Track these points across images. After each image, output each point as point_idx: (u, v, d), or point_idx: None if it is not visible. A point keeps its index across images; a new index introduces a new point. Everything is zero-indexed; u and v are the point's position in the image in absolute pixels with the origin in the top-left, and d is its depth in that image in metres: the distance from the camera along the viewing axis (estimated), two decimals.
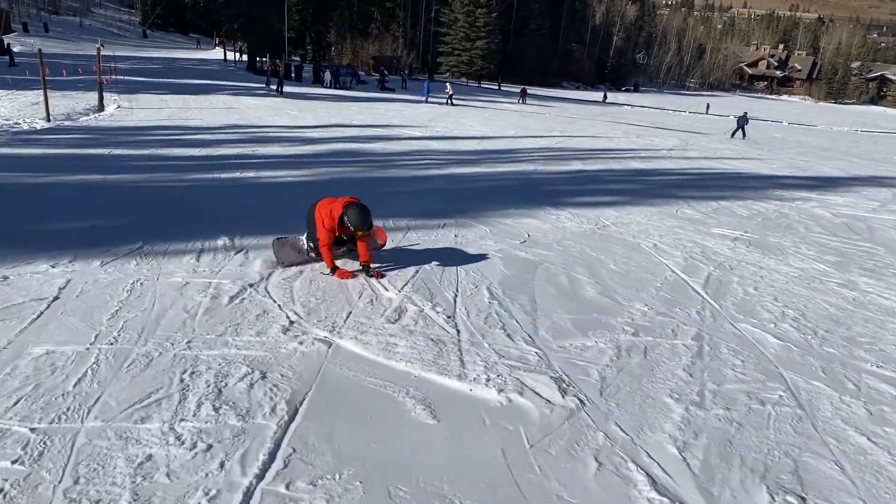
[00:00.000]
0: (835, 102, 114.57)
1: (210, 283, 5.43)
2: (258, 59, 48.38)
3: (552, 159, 15.44)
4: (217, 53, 60.65)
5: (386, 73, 48.92)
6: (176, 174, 10.23)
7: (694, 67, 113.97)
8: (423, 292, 5.50)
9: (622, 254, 7.27)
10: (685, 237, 8.34)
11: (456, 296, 5.48)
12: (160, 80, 32.37)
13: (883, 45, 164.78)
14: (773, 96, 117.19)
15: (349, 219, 5.54)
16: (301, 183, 10.34)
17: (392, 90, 44.02)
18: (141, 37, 72.15)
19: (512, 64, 77.23)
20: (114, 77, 27.46)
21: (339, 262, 5.96)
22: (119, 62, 33.46)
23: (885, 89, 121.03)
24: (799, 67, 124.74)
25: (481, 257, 6.68)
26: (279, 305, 5.03)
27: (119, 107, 20.68)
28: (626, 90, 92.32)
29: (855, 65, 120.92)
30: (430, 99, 36.31)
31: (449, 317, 5.00)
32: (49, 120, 16.50)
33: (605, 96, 68.02)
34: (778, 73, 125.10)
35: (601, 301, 5.65)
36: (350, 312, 4.99)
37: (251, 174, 10.61)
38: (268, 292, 5.30)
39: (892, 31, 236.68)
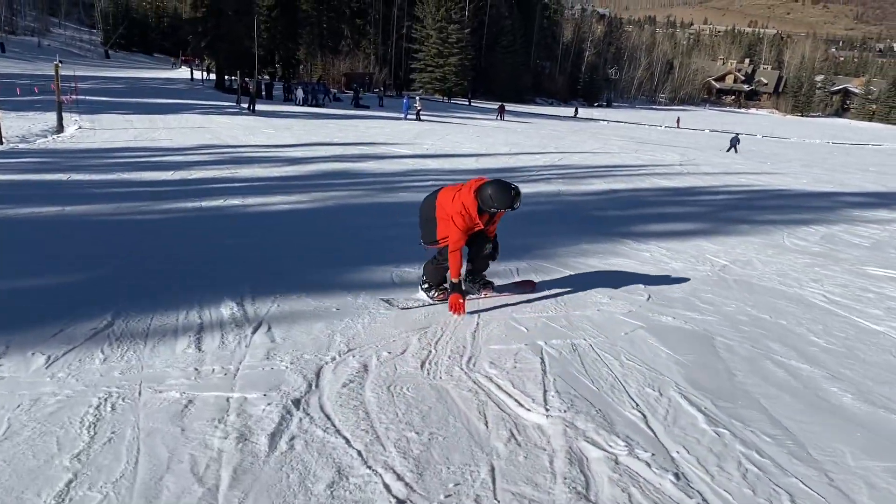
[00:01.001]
0: (801, 115, 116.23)
1: (228, 399, 3.39)
2: (227, 77, 46.73)
3: (568, 178, 14.10)
4: (183, 73, 58.81)
5: (360, 89, 47.64)
6: (148, 203, 8.60)
7: (664, 82, 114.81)
8: (585, 410, 3.47)
9: (803, 315, 5.43)
10: (849, 282, 6.70)
11: (645, 417, 3.44)
12: (124, 99, 30.60)
13: (842, 59, 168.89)
14: (742, 110, 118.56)
15: (494, 199, 4.57)
16: (300, 212, 8.81)
17: (367, 107, 42.74)
18: (103, 57, 70.10)
19: (485, 80, 76.66)
20: (74, 97, 25.73)
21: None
22: (80, 82, 31.67)
23: (848, 102, 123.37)
24: (765, 81, 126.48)
25: (615, 328, 4.77)
26: (361, 456, 2.92)
27: (80, 128, 18.97)
28: (599, 105, 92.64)
29: (819, 78, 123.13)
30: (409, 116, 35.03)
31: (675, 475, 2.90)
32: (0, 142, 14.79)
33: (576, 111, 68.61)
34: (745, 87, 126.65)
35: (877, 416, 3.66)
36: (493, 471, 2.86)
37: (237, 201, 9.01)
38: (329, 420, 3.23)
39: (847, 45, 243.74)
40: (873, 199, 13.40)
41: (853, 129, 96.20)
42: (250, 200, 9.11)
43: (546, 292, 5.56)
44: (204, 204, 8.70)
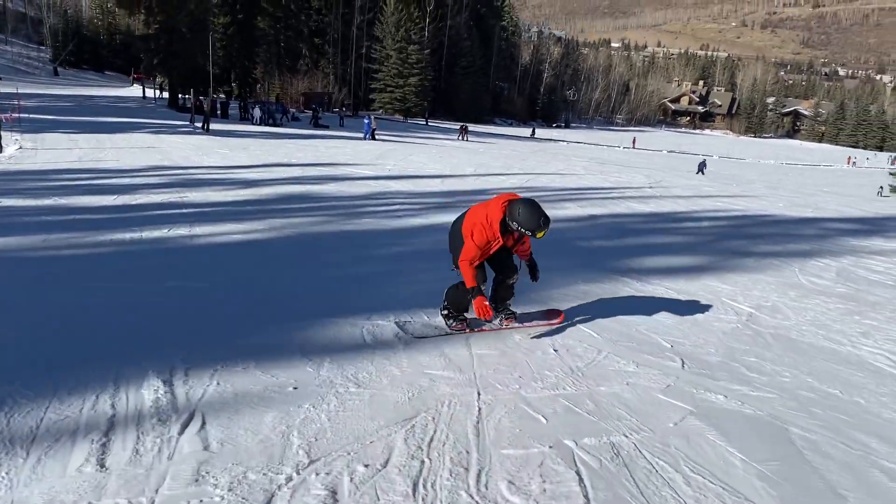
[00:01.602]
0: (754, 136, 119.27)
1: None
2: (180, 95, 45.44)
3: (541, 201, 13.03)
4: (135, 91, 57.16)
5: (319, 109, 46.78)
6: (81, 234, 7.66)
7: (621, 103, 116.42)
8: None
9: (877, 388, 4.56)
10: None
11: None
12: (71, 118, 29.23)
13: (790, 82, 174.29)
14: (697, 131, 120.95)
15: (520, 217, 4.24)
16: (254, 244, 7.84)
17: (326, 127, 41.90)
18: (52, 74, 67.80)
19: (445, 101, 76.67)
20: (16, 115, 24.38)
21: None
22: (25, 99, 30.20)
23: (798, 123, 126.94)
24: (719, 103, 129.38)
25: (658, 414, 3.82)
26: None
27: (21, 148, 17.77)
28: (558, 126, 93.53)
29: (770, 100, 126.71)
30: (371, 137, 34.23)
31: None
32: None
33: (533, 132, 70.17)
34: (700, 108, 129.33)
35: None
36: None
37: (184, 231, 8.12)
38: None
39: (795, 69, 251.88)
40: (859, 226, 13.03)
41: (804, 149, 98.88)
42: (198, 230, 8.23)
43: (553, 354, 4.66)
44: (145, 234, 7.80)
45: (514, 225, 4.32)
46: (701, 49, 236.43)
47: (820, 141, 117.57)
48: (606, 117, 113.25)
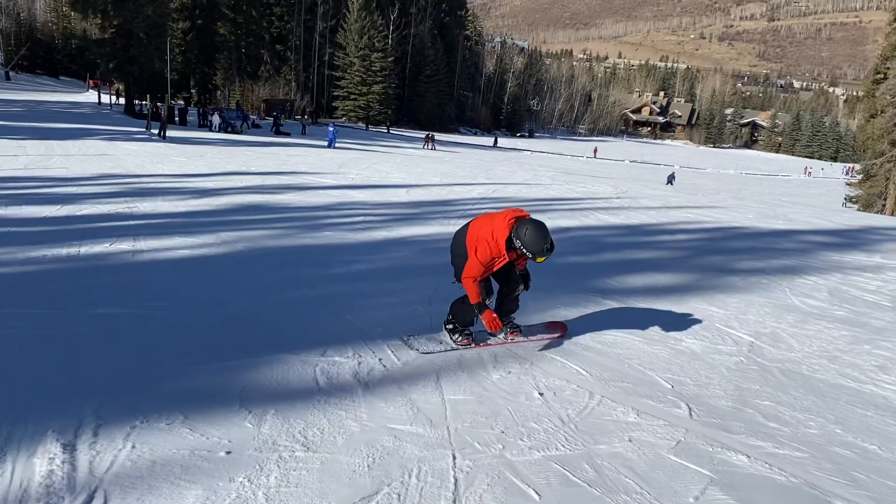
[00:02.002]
0: (713, 146, 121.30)
1: None
2: (137, 101, 44.26)
3: None
4: (91, 96, 55.61)
5: (280, 116, 45.99)
6: (13, 249, 6.96)
7: (583, 114, 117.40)
8: None
9: None
10: None
11: None
12: (21, 123, 28.05)
13: (748, 93, 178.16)
14: (658, 141, 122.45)
15: (526, 238, 4.12)
16: (202, 261, 7.20)
17: (287, 134, 41.15)
18: (3, 79, 65.66)
19: (409, 109, 76.43)
20: None
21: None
22: None
23: (756, 134, 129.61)
24: (679, 113, 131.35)
25: (674, 484, 3.25)
26: None
27: None
28: (522, 136, 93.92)
29: (728, 111, 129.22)
30: (336, 145, 33.61)
31: None
32: None
33: (495, 141, 70.40)
34: (660, 118, 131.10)
35: None
36: None
37: (126, 245, 7.46)
38: None
39: (752, 81, 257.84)
40: (835, 238, 12.74)
41: (762, 159, 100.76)
42: (143, 244, 7.58)
43: (538, 400, 4.06)
44: (83, 250, 7.13)
45: (518, 244, 4.21)
46: (661, 60, 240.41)
47: (777, 151, 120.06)
48: (569, 127, 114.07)
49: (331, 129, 35.03)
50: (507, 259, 4.37)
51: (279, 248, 8.13)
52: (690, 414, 4.02)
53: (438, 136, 54.66)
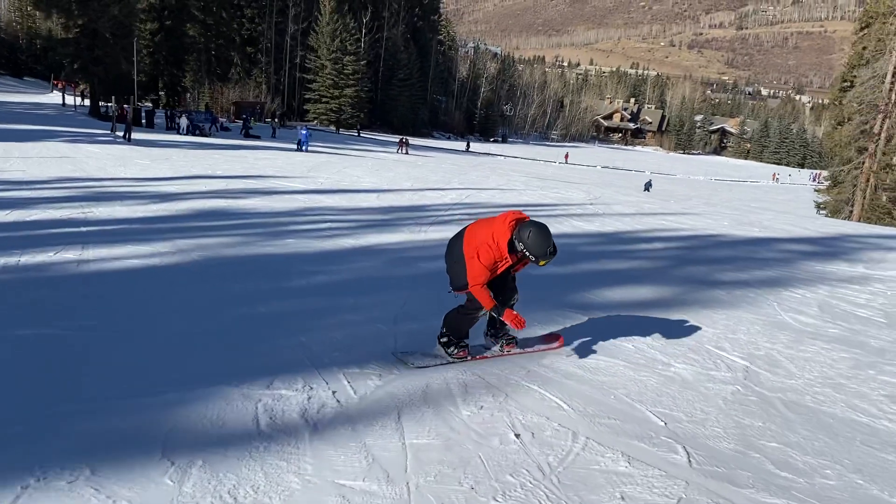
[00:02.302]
0: (683, 153, 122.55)
1: None
2: (102, 103, 43.27)
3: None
4: (55, 97, 54.32)
5: (250, 119, 45.31)
6: None
7: (556, 119, 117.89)
8: None
9: None
10: None
11: None
12: None
13: (716, 100, 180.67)
14: (629, 147, 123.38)
15: (529, 241, 4.00)
16: (151, 270, 6.69)
17: (257, 137, 40.50)
18: None
19: (382, 112, 76.06)
20: None
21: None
22: None
23: (725, 140, 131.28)
24: (650, 120, 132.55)
25: None
26: None
27: None
28: (495, 141, 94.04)
29: (698, 118, 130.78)
30: (306, 148, 33.06)
31: None
32: None
33: (468, 146, 70.76)
34: (631, 125, 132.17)
35: None
36: None
37: (73, 255, 6.93)
38: None
39: (721, 88, 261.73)
40: (814, 247, 12.51)
41: (731, 166, 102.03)
42: (90, 253, 7.06)
43: (514, 443, 3.52)
44: (24, 259, 6.60)
45: (520, 247, 4.07)
46: (632, 67, 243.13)
47: (746, 158, 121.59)
48: (542, 132, 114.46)
49: (303, 131, 34.45)
50: (510, 262, 4.24)
51: (236, 258, 7.63)
52: (689, 461, 3.50)
53: (412, 140, 54.30)
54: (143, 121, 39.54)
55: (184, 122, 37.99)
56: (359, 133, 65.56)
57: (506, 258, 4.20)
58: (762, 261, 10.42)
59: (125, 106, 36.28)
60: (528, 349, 4.86)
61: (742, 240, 12.76)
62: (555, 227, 12.09)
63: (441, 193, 16.80)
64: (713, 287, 8.03)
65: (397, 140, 48.80)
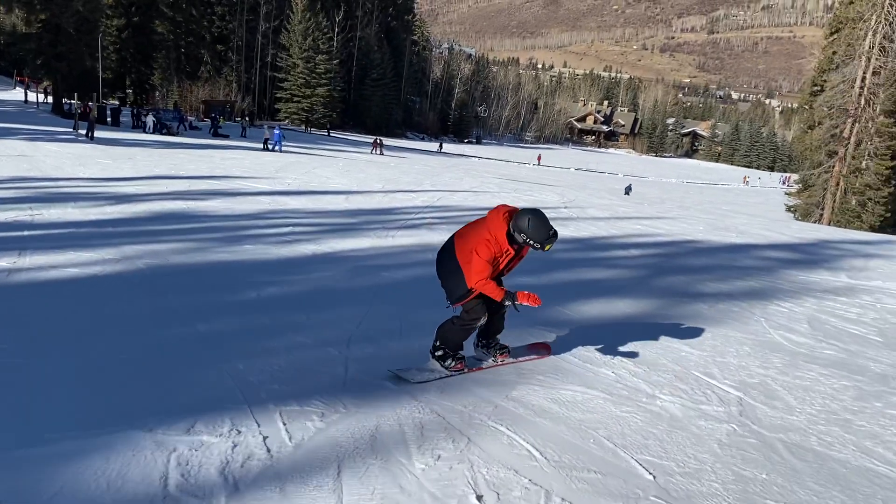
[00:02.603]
0: (655, 155, 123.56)
1: None
2: (66, 100, 42.16)
3: (453, 223, 11.29)
4: (17, 94, 52.91)
5: (218, 118, 44.49)
6: None
7: (530, 121, 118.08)
8: None
9: None
10: None
11: None
12: None
13: (688, 103, 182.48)
14: (602, 149, 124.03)
15: (529, 229, 3.92)
16: (89, 280, 6.09)
17: (226, 136, 39.75)
18: None
19: (355, 112, 75.47)
20: None
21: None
22: None
23: (696, 144, 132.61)
24: (623, 123, 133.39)
25: None
26: None
27: None
28: (469, 142, 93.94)
29: (670, 121, 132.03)
30: (278, 147, 32.42)
31: None
32: None
33: (440, 146, 70.90)
34: (604, 127, 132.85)
35: None
36: None
37: (6, 262, 6.35)
38: None
39: (692, 91, 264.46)
40: (794, 254, 12.27)
41: (702, 169, 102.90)
42: (27, 260, 6.51)
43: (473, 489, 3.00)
44: None
45: (521, 237, 3.99)
46: (605, 70, 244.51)
47: (717, 161, 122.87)
48: (516, 134, 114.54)
49: (276, 131, 33.81)
50: (511, 253, 4.15)
51: (186, 266, 7.08)
52: None
53: (386, 140, 53.76)
54: (109, 119, 38.57)
55: (150, 120, 37.11)
56: (328, 133, 64.89)
57: (506, 251, 4.13)
58: (743, 269, 10.05)
59: (89, 103, 35.33)
60: (521, 359, 4.78)
61: (720, 246, 12.47)
62: None
63: (412, 196, 16.37)
64: (695, 300, 7.55)
65: (371, 140, 48.25)
